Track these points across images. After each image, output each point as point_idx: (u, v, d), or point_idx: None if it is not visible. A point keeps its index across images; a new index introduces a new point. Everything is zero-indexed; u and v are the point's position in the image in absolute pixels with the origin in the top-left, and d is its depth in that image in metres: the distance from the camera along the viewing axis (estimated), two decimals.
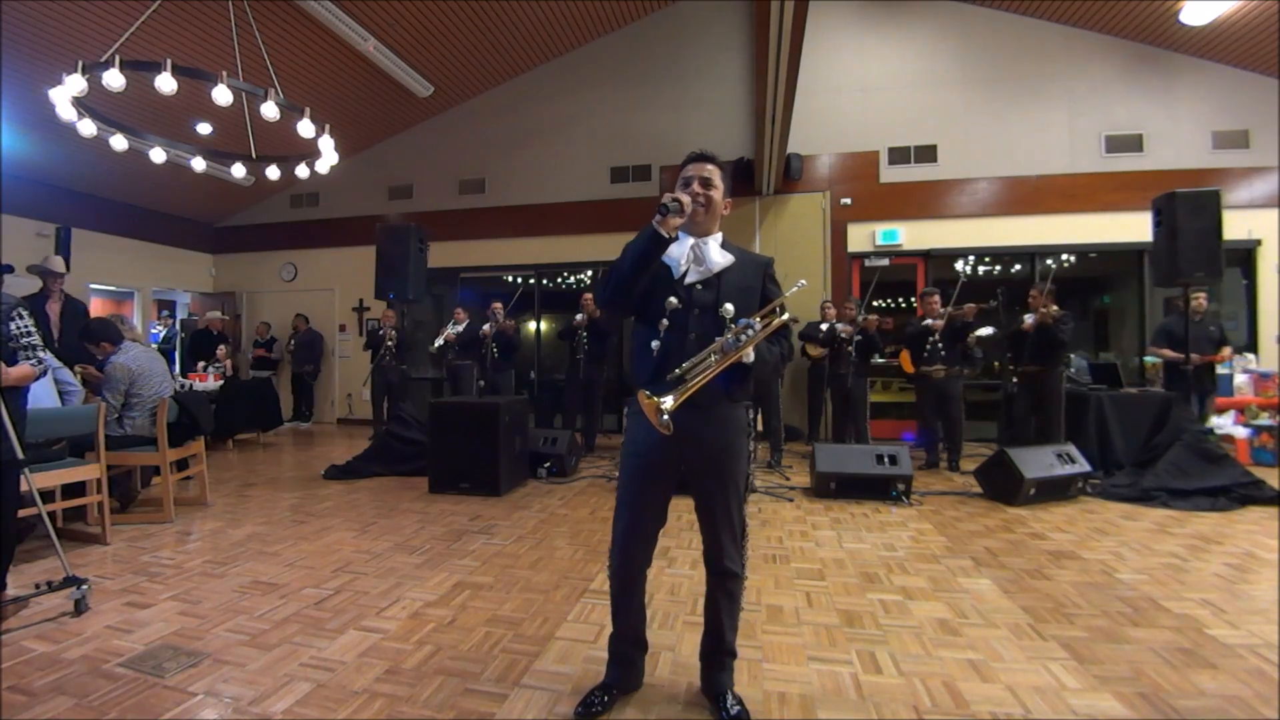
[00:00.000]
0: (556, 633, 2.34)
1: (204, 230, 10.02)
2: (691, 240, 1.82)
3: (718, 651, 1.86)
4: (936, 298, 5.50)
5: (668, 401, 1.59)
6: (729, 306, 1.75)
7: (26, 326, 2.64)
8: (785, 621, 2.44)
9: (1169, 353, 5.23)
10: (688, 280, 1.79)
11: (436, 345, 6.97)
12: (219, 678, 2.01)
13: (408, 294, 5.55)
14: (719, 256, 1.81)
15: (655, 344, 1.77)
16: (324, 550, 3.35)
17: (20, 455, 2.47)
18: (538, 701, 1.88)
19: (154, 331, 9.47)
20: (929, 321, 5.45)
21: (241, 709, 1.84)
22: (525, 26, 7.70)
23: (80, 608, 2.51)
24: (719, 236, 1.86)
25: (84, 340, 4.02)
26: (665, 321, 1.76)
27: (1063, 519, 3.94)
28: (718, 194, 1.83)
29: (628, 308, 1.79)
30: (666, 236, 1.66)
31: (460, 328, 6.87)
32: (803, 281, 1.95)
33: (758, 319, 1.69)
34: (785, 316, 1.78)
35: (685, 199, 1.69)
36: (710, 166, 1.83)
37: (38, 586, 2.50)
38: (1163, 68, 7.11)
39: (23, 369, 2.58)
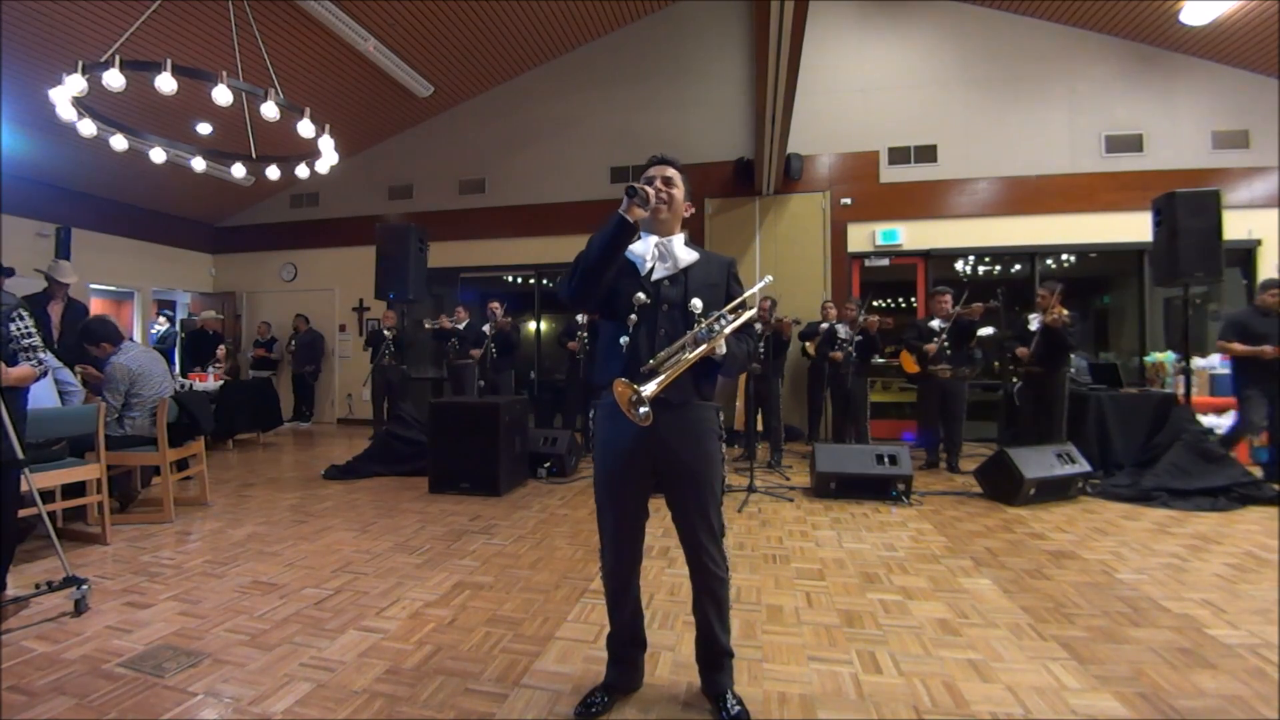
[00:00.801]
0: (556, 633, 2.34)
1: (204, 230, 10.02)
2: (655, 238, 1.82)
3: (713, 654, 1.85)
4: (948, 297, 5.47)
5: (648, 389, 1.56)
6: (697, 302, 1.76)
7: (27, 328, 2.64)
8: (785, 621, 2.44)
9: (1240, 347, 4.76)
10: (655, 276, 1.79)
11: (432, 325, 6.94)
12: (219, 678, 2.02)
13: (408, 294, 5.54)
14: (684, 253, 1.82)
15: (624, 340, 1.76)
16: (324, 550, 3.35)
17: (20, 455, 2.47)
18: (538, 701, 1.88)
19: (153, 332, 9.47)
20: (935, 323, 5.44)
21: (241, 709, 1.84)
22: (525, 26, 7.70)
23: (80, 608, 2.51)
24: (682, 236, 1.87)
25: (84, 341, 4.01)
26: (634, 317, 1.75)
27: (1063, 519, 3.94)
28: (679, 193, 1.84)
29: (593, 301, 1.77)
30: (633, 223, 1.65)
31: (461, 326, 6.88)
32: (769, 277, 2.00)
33: (728, 312, 1.71)
34: (753, 311, 1.80)
35: (650, 190, 1.69)
36: (671, 169, 1.85)
37: (38, 586, 2.50)
38: (1163, 68, 7.11)
39: (23, 369, 2.59)
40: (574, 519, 3.98)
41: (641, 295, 1.76)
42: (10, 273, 2.86)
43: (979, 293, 5.55)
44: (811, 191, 7.78)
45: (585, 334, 6.39)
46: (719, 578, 1.81)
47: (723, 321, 1.67)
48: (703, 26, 8.21)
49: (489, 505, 4.32)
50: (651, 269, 1.80)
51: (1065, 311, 5.00)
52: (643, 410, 1.56)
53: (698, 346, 1.65)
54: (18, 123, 6.47)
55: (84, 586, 2.53)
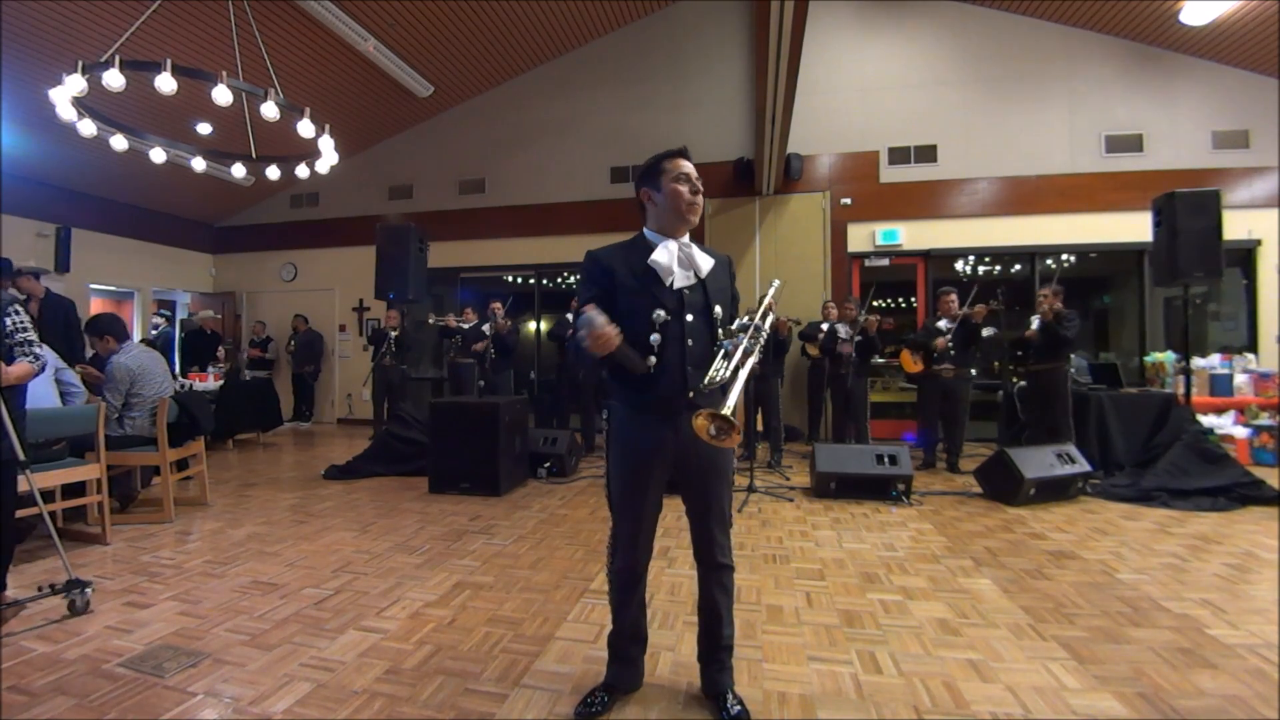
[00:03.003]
0: (556, 633, 2.34)
1: (204, 230, 10.02)
2: (675, 243, 1.77)
3: (716, 649, 1.85)
4: (954, 296, 5.47)
5: (727, 408, 1.50)
6: (719, 309, 1.76)
7: (22, 322, 2.62)
8: (785, 621, 2.44)
9: None
10: (676, 285, 1.75)
11: (438, 321, 6.92)
12: (219, 678, 2.02)
13: (408, 294, 5.54)
14: (704, 260, 1.79)
15: (652, 360, 1.71)
16: (324, 550, 3.35)
17: (21, 455, 2.47)
18: (538, 701, 1.88)
19: (151, 333, 9.45)
20: (943, 323, 5.44)
21: (241, 709, 1.84)
22: (525, 26, 7.70)
23: (79, 608, 2.50)
24: (687, 235, 1.84)
25: (89, 333, 4.03)
26: (657, 336, 1.70)
27: (1063, 519, 3.94)
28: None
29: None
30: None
31: (466, 326, 6.87)
32: (778, 281, 2.00)
33: (758, 318, 1.70)
34: (771, 318, 1.81)
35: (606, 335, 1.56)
36: (691, 164, 1.79)
37: (40, 589, 2.49)
38: (1163, 68, 7.11)
39: (21, 366, 2.56)
40: (574, 519, 3.98)
41: (662, 312, 1.71)
42: (9, 267, 2.85)
43: (980, 293, 5.56)
44: (811, 191, 7.78)
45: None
46: (728, 567, 1.83)
47: (760, 334, 1.66)
48: (703, 26, 8.21)
49: (489, 505, 4.32)
50: (673, 278, 1.75)
51: (1060, 305, 5.09)
52: (725, 436, 1.50)
53: (748, 357, 1.63)
54: (18, 123, 6.47)
55: (87, 590, 2.53)
